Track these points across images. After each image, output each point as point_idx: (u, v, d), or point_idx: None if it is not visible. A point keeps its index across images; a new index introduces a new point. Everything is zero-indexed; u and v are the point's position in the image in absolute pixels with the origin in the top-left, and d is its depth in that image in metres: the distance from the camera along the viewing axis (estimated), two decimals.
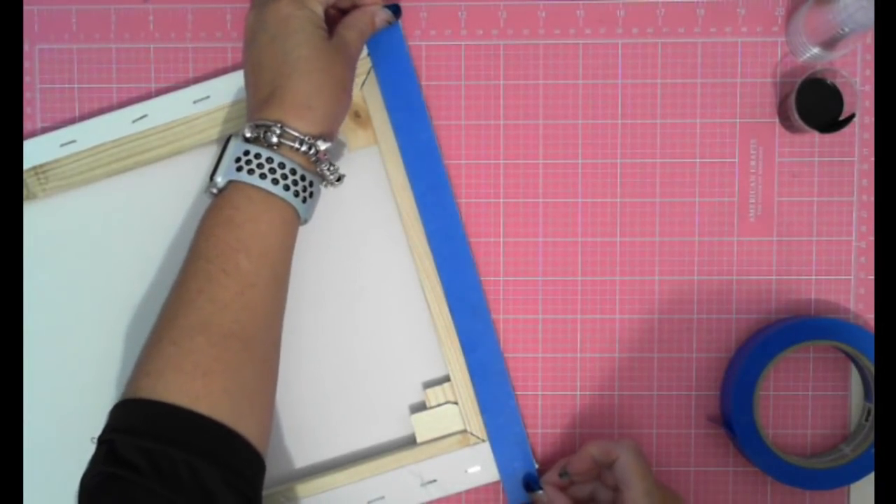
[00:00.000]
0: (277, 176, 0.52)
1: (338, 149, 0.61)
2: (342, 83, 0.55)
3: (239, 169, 0.52)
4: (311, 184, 0.54)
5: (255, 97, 0.54)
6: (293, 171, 0.52)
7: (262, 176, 0.52)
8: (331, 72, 0.54)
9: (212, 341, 0.49)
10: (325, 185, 0.56)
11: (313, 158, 0.54)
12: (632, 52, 0.62)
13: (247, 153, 0.52)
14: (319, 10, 0.55)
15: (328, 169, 0.55)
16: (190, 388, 0.48)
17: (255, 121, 0.53)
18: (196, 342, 0.49)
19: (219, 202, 0.52)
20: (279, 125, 0.52)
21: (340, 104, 0.55)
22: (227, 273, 0.50)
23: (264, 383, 0.52)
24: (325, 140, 0.53)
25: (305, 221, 0.55)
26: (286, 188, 0.52)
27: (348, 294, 0.62)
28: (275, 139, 0.52)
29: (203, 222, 0.52)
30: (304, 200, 0.53)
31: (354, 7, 0.59)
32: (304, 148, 0.52)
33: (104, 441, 0.48)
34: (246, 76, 0.56)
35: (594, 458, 0.56)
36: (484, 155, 0.62)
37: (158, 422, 0.47)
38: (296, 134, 0.52)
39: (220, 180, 0.52)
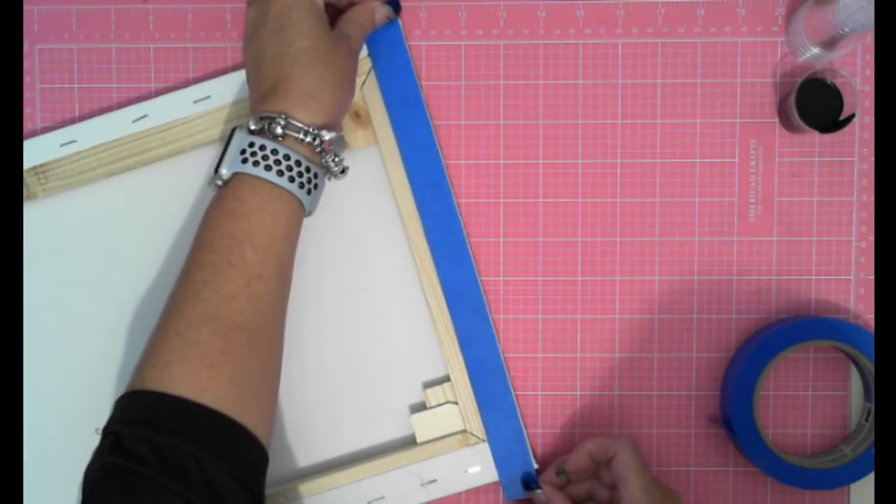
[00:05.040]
0: (282, 168, 0.52)
1: (338, 146, 0.61)
2: (345, 73, 0.55)
3: (244, 161, 0.52)
4: (315, 175, 0.54)
5: (258, 90, 0.55)
6: (298, 163, 0.52)
7: (268, 168, 0.52)
8: (333, 62, 0.54)
9: (218, 333, 0.49)
10: (330, 178, 0.56)
11: (318, 149, 0.54)
12: (632, 52, 0.62)
13: (251, 145, 0.52)
14: (320, 0, 0.55)
15: (332, 160, 0.55)
16: (196, 380, 0.48)
17: (259, 113, 0.53)
18: (202, 333, 0.49)
19: (224, 194, 0.52)
20: (283, 116, 0.52)
21: (344, 93, 0.55)
22: (232, 264, 0.50)
23: (269, 375, 0.53)
24: (329, 130, 0.54)
25: (310, 213, 0.55)
26: (291, 180, 0.52)
27: (348, 294, 0.62)
28: (279, 130, 0.52)
29: (208, 214, 0.53)
30: (309, 192, 0.53)
31: (352, 5, 0.59)
32: (308, 139, 0.53)
33: (109, 432, 0.48)
34: (248, 69, 0.56)
35: (591, 455, 0.56)
36: (484, 155, 0.62)
37: (164, 413, 0.47)
38: (300, 125, 0.52)
39: (224, 172, 0.53)
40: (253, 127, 0.53)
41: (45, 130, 0.63)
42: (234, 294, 0.50)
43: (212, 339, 0.49)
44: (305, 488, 0.60)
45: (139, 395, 0.48)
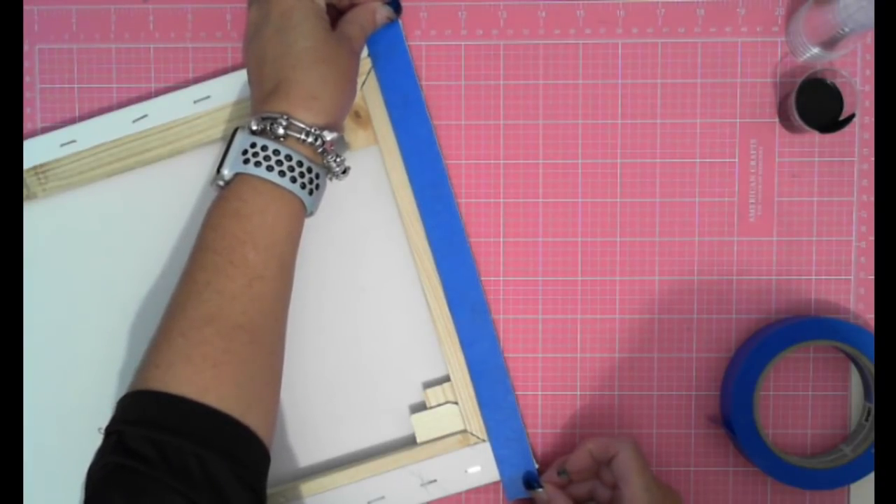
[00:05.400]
0: (284, 168, 0.52)
1: (339, 147, 0.61)
2: (346, 74, 0.55)
3: (246, 161, 0.52)
4: (317, 176, 0.54)
5: (259, 90, 0.55)
6: (300, 164, 0.52)
7: (269, 168, 0.52)
8: (335, 62, 0.54)
9: (220, 333, 0.49)
10: (331, 178, 0.56)
11: (319, 150, 0.54)
12: (632, 52, 0.62)
13: (253, 145, 0.52)
14: (321, 1, 0.55)
15: (334, 161, 0.55)
16: (199, 380, 0.48)
17: (261, 113, 0.53)
18: (205, 334, 0.49)
19: (226, 194, 0.52)
20: (285, 117, 0.52)
21: (345, 95, 0.55)
22: (234, 265, 0.50)
23: (271, 375, 0.53)
24: (330, 131, 0.54)
25: (311, 213, 0.55)
26: (293, 180, 0.52)
27: (348, 294, 0.62)
28: (281, 131, 0.52)
29: (210, 214, 0.53)
30: (311, 192, 0.53)
31: (353, 6, 0.59)
32: (310, 139, 0.53)
33: (112, 432, 0.48)
34: (249, 70, 0.56)
35: (592, 454, 0.56)
36: (484, 155, 0.62)
37: (167, 413, 0.48)
38: (302, 125, 0.52)
39: (226, 173, 0.53)
40: (254, 127, 0.53)
41: (45, 130, 0.63)
42: (236, 294, 0.50)
43: (215, 340, 0.49)
44: (305, 488, 0.60)
45: (142, 395, 0.49)
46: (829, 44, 0.58)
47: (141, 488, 0.45)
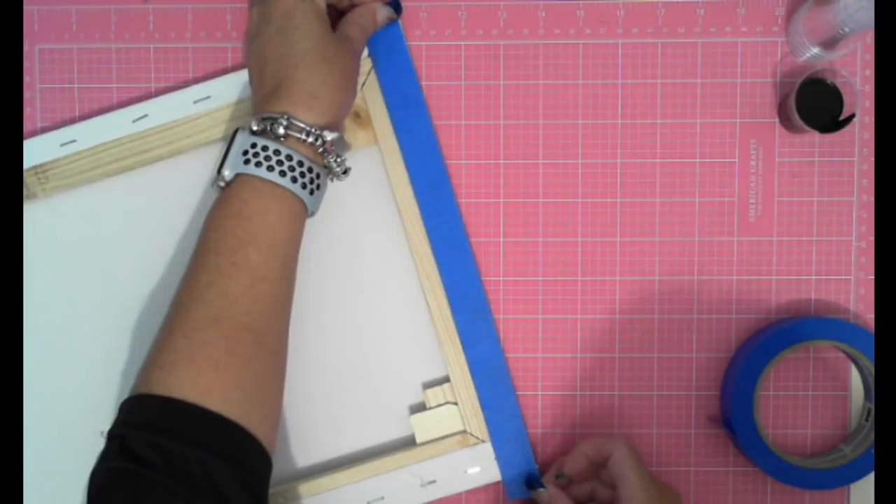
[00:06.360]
0: (285, 168, 0.52)
1: (339, 147, 0.61)
2: (347, 74, 0.55)
3: (246, 162, 0.52)
4: (318, 176, 0.54)
5: (260, 90, 0.55)
6: (300, 164, 0.52)
7: (270, 168, 0.52)
8: (336, 63, 0.54)
9: (223, 334, 0.49)
10: (332, 178, 0.56)
11: (320, 150, 0.54)
12: (632, 52, 0.62)
13: (254, 146, 0.52)
14: (322, 2, 0.55)
15: (335, 161, 0.55)
16: (202, 382, 0.48)
17: (262, 113, 0.53)
18: (208, 335, 0.49)
19: (227, 195, 0.52)
20: (286, 117, 0.52)
21: (346, 95, 0.55)
22: (236, 266, 0.50)
23: (274, 376, 0.53)
24: (331, 131, 0.54)
25: (312, 214, 0.55)
26: (294, 180, 0.52)
27: (348, 294, 0.62)
28: (282, 131, 0.52)
29: (211, 215, 0.53)
30: (312, 192, 0.53)
31: (353, 7, 0.59)
32: (310, 139, 0.53)
33: (115, 436, 0.48)
34: (250, 70, 0.56)
35: (587, 456, 0.57)
36: (484, 155, 0.62)
37: (170, 417, 0.47)
38: (302, 125, 0.52)
39: (227, 173, 0.53)
40: (255, 127, 0.53)
41: (45, 130, 0.63)
42: (238, 295, 0.50)
43: (218, 341, 0.49)
44: (305, 488, 0.60)
45: (145, 399, 0.48)
46: (829, 44, 0.58)
47: (144, 493, 0.45)
